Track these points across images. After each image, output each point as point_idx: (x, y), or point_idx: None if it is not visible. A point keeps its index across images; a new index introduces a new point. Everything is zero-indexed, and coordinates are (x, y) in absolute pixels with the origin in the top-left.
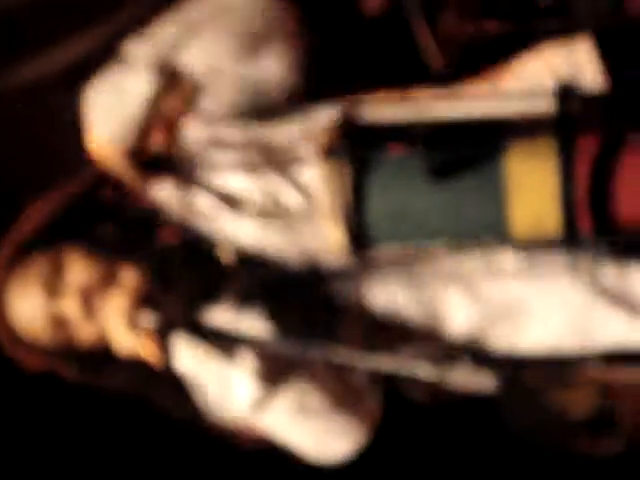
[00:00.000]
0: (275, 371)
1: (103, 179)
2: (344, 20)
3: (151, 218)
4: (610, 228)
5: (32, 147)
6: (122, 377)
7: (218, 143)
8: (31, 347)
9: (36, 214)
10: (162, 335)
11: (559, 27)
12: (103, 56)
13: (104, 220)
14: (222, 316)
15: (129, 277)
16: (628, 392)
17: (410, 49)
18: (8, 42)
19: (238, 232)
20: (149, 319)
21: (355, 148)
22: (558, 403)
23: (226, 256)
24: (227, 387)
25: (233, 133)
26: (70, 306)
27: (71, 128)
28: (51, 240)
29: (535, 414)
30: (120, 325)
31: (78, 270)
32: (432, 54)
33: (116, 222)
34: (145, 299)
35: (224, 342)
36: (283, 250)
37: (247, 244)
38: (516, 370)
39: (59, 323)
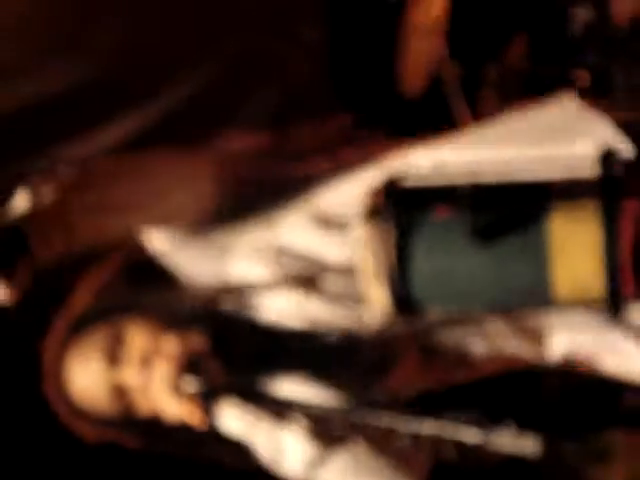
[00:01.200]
0: (327, 432)
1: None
2: (384, 101)
3: None
4: None
5: None
6: (182, 441)
7: None
8: (90, 418)
9: (89, 285)
10: (207, 400)
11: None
12: (156, 132)
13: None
14: (272, 382)
15: (173, 345)
16: None
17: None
18: (61, 119)
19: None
20: (192, 384)
21: (400, 209)
22: (598, 477)
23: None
24: (279, 449)
25: None
26: (132, 375)
27: None
28: (107, 311)
29: None
30: (164, 392)
31: (138, 339)
32: None
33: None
34: (188, 365)
35: (273, 407)
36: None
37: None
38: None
39: (121, 392)
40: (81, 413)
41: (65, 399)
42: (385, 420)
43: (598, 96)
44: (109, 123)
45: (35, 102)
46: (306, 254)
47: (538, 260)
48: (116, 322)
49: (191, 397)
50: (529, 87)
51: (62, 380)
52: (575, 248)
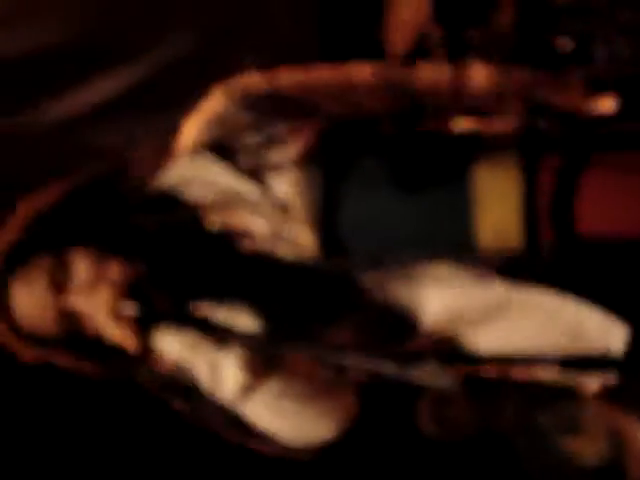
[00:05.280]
0: (260, 362)
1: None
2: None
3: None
4: (571, 240)
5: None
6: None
7: None
8: (31, 339)
9: (25, 212)
10: (145, 325)
11: (581, 74)
12: (133, 94)
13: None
14: (214, 310)
15: (116, 270)
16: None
17: None
18: (39, 80)
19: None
20: (132, 309)
21: (330, 154)
22: (569, 448)
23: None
24: (216, 373)
25: None
26: (78, 300)
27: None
28: (48, 239)
29: (547, 457)
30: (105, 316)
31: (83, 267)
32: None
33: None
34: (128, 290)
35: (212, 333)
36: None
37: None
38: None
39: (68, 316)
40: (21, 333)
41: (6, 320)
42: (311, 351)
43: (579, 64)
44: (94, 80)
45: (21, 56)
46: None
47: (461, 211)
48: (60, 251)
49: (128, 321)
50: (513, 53)
51: (4, 302)
52: (497, 200)
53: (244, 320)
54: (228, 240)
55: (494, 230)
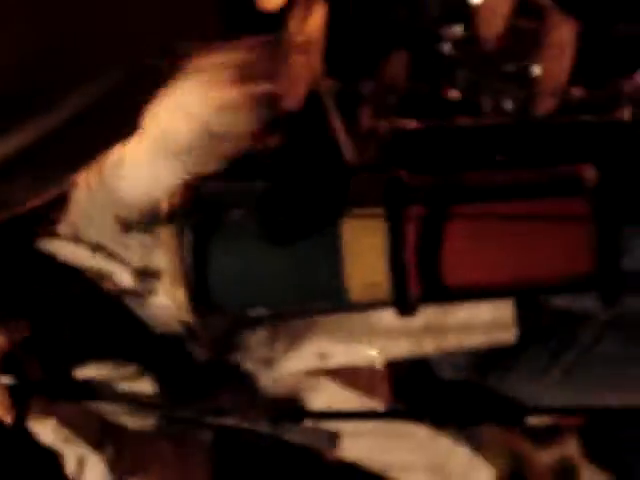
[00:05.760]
0: (128, 462)
1: None
2: None
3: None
4: (438, 291)
5: None
6: None
7: None
8: None
9: None
10: (20, 399)
11: (469, 123)
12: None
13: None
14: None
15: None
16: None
17: (328, 144)
18: None
19: None
20: (6, 380)
21: (197, 211)
22: None
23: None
24: (82, 470)
25: None
26: None
27: None
28: None
29: None
30: None
31: None
32: (348, 149)
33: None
34: (4, 360)
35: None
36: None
37: None
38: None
39: None
40: None
41: None
42: (187, 413)
43: (468, 114)
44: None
45: None
46: None
47: (331, 264)
48: None
49: (2, 392)
50: (404, 104)
51: None
52: (365, 253)
53: (137, 384)
54: (121, 303)
55: (364, 283)
